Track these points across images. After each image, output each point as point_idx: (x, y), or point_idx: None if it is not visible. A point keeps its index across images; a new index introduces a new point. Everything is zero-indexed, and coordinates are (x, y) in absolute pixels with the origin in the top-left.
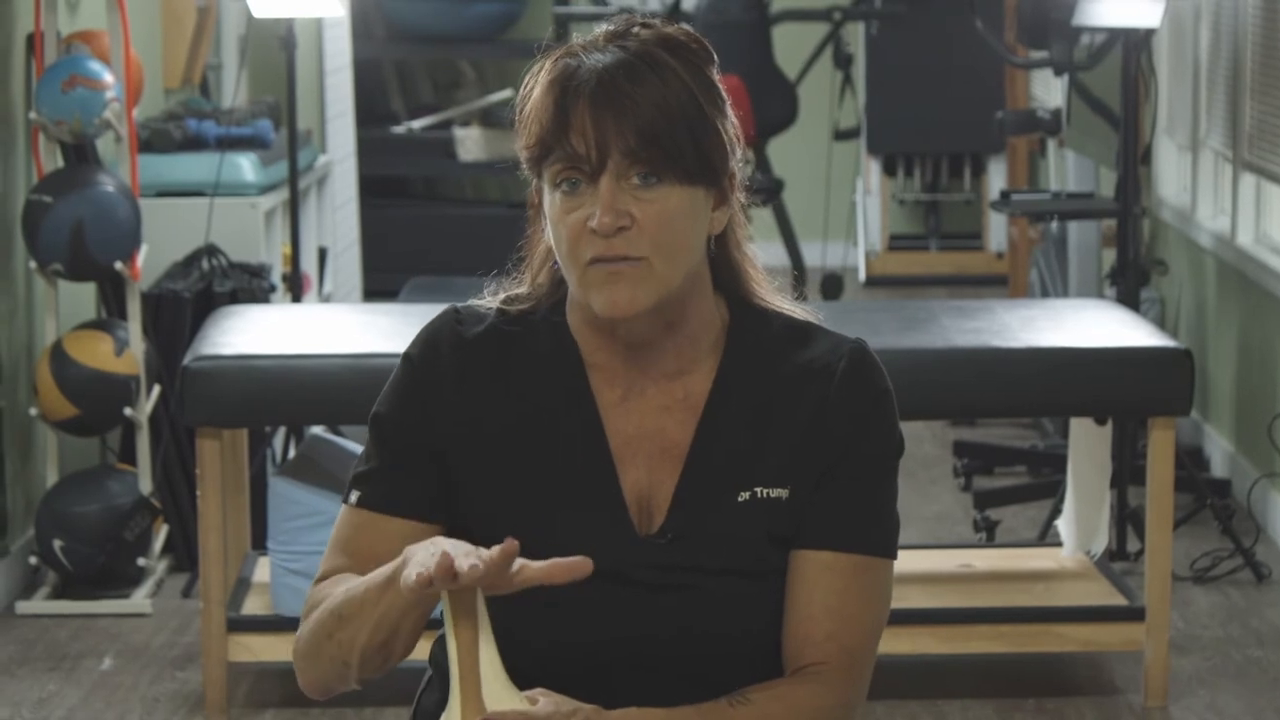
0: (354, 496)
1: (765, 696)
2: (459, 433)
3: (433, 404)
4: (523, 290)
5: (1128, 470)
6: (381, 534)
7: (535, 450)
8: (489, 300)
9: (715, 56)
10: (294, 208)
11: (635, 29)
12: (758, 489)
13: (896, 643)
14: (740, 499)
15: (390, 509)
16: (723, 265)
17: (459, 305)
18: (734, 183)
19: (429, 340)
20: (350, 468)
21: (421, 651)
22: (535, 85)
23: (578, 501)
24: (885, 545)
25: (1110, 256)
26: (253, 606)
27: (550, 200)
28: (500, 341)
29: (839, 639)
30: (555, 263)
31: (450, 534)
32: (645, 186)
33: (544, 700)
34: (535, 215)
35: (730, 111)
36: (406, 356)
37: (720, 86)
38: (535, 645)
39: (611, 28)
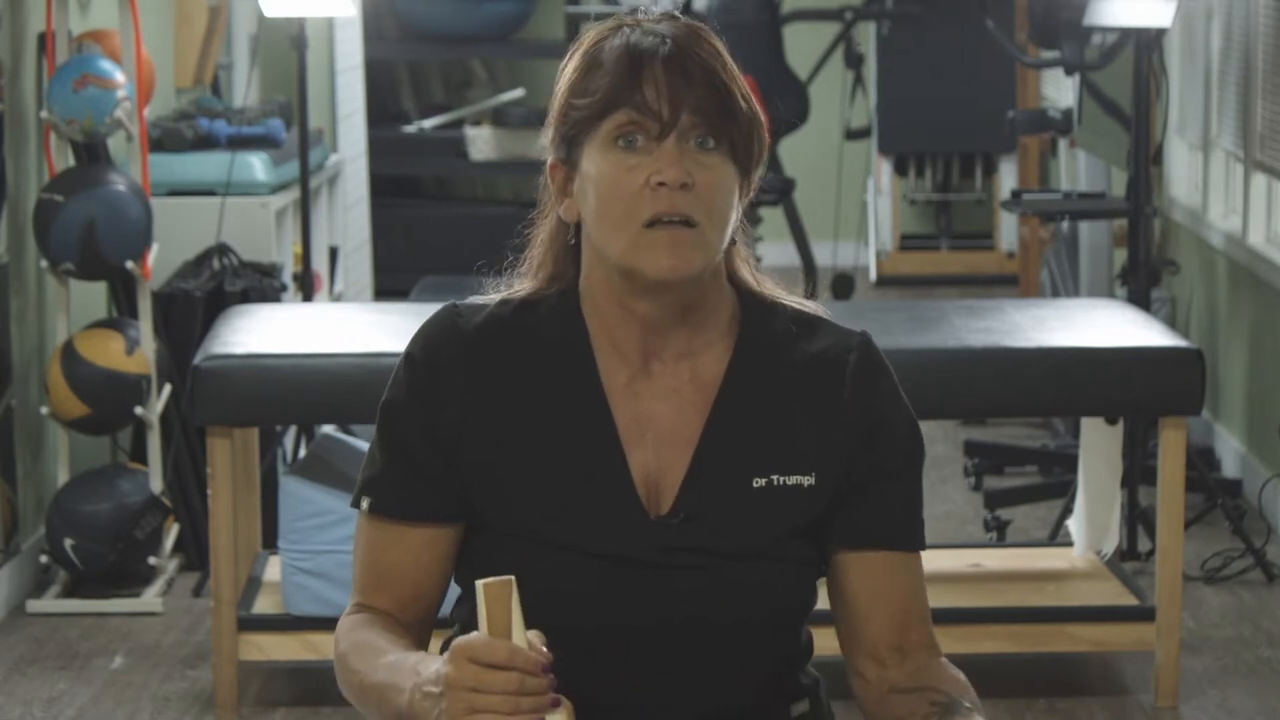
0: (365, 503)
1: (958, 686)
2: (466, 424)
3: (437, 400)
4: (526, 281)
5: (1138, 470)
6: (403, 547)
7: (542, 434)
8: (488, 296)
9: None
10: (305, 207)
11: (667, 19)
12: (774, 476)
13: None
14: (756, 485)
15: (404, 516)
16: (730, 255)
17: (457, 301)
18: (753, 186)
19: (429, 336)
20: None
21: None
22: (587, 51)
23: (586, 484)
24: (923, 538)
25: (1121, 256)
26: (263, 605)
27: (602, 160)
28: (502, 329)
29: (924, 619)
30: (573, 238)
31: (467, 529)
32: (703, 151)
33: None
34: (549, 195)
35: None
36: (408, 355)
37: None
38: (547, 629)
39: (646, 15)
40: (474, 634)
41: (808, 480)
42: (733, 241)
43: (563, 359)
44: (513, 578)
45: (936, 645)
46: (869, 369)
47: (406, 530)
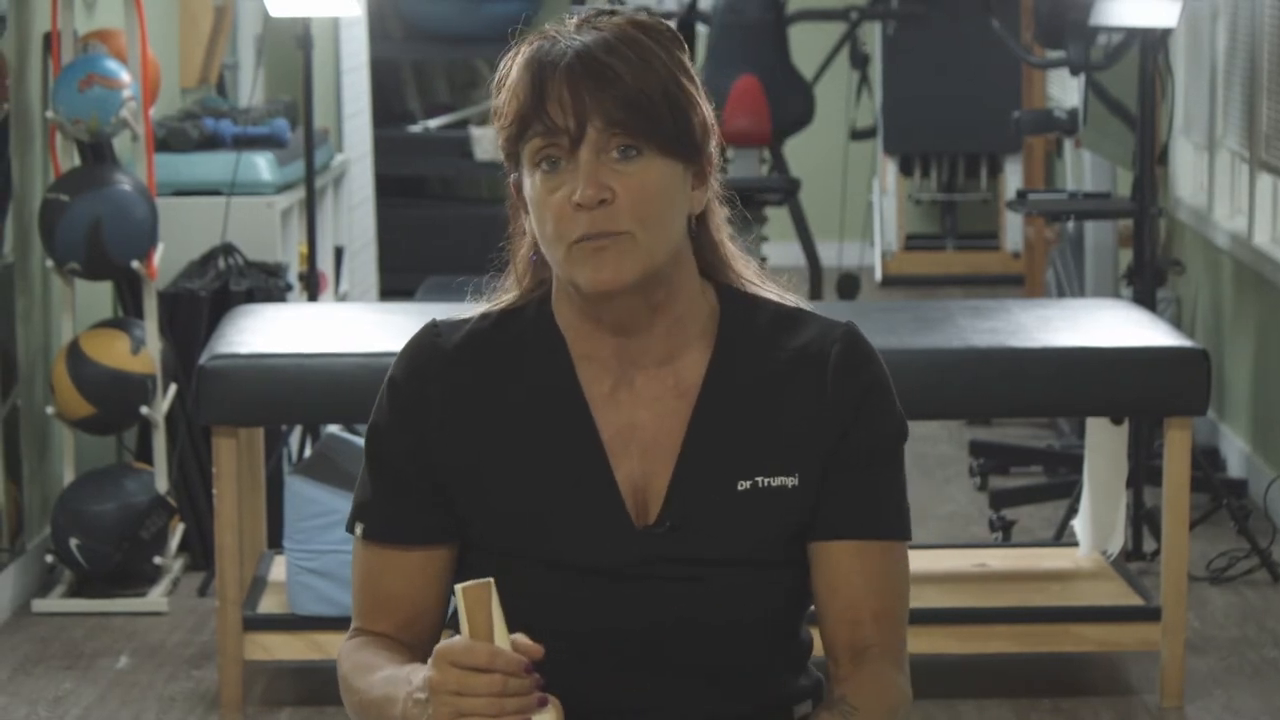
0: (359, 529)
1: (864, 695)
2: (451, 440)
3: (421, 424)
4: (508, 294)
5: (1143, 470)
6: (398, 571)
7: (527, 448)
8: (470, 310)
9: (685, 44)
10: (310, 207)
11: (604, 15)
12: (759, 478)
13: (912, 642)
14: (740, 488)
15: (396, 540)
16: (706, 249)
17: (437, 319)
18: (711, 166)
19: (411, 359)
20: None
21: None
22: (510, 69)
23: (573, 496)
24: (906, 527)
25: (1127, 256)
26: (269, 605)
27: (531, 183)
28: (483, 344)
29: (883, 619)
30: (536, 254)
31: (460, 547)
32: (625, 160)
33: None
34: (514, 212)
35: (704, 99)
36: (391, 380)
37: (692, 69)
38: (536, 634)
39: (581, 16)
40: (455, 638)
41: (791, 480)
42: (697, 233)
43: (545, 371)
44: (491, 580)
45: (895, 649)
46: (852, 361)
47: (400, 554)
